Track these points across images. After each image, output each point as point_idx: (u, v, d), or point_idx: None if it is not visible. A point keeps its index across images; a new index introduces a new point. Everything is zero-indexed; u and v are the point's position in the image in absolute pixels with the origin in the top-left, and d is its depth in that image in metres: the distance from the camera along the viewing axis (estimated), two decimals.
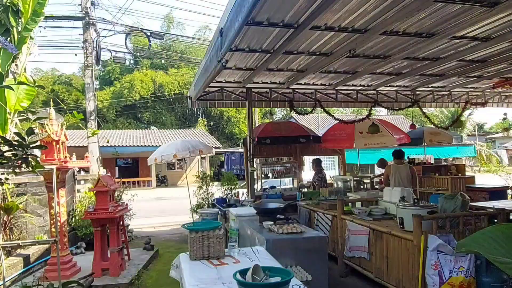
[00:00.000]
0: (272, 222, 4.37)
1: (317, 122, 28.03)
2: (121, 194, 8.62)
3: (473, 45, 5.94)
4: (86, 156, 6.16)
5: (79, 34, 10.81)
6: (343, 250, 5.31)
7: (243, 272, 2.35)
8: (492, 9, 4.45)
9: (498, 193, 8.44)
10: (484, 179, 14.90)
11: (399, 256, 4.10)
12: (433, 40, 5.47)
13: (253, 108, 8.78)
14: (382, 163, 8.83)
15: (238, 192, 8.23)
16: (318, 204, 6.48)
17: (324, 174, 8.84)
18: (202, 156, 11.12)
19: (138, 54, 11.34)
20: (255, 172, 10.35)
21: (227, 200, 7.09)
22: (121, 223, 6.32)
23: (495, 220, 4.03)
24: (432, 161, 14.94)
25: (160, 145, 14.71)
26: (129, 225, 8.86)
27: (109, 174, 6.41)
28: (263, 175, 9.28)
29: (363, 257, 4.77)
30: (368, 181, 7.69)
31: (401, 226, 4.06)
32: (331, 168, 23.69)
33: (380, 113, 33.11)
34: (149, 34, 10.55)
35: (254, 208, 4.82)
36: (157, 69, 37.34)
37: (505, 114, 11.81)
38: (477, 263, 3.53)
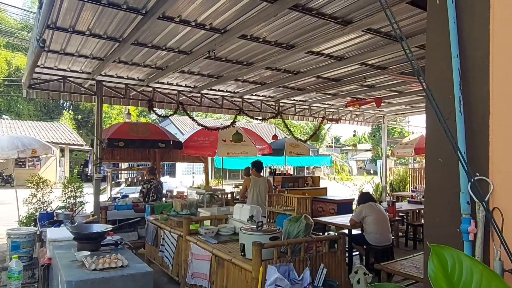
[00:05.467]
0: (89, 252, 3.44)
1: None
2: None
3: (329, 63, 6.08)
4: None
5: None
6: (185, 276, 4.66)
7: None
8: (345, 27, 4.44)
9: (345, 205, 9.04)
10: (337, 187, 16.47)
11: None
12: (292, 51, 5.34)
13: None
14: (248, 172, 8.47)
15: (76, 203, 6.81)
16: (167, 220, 5.72)
17: (154, 184, 7.92)
18: (47, 153, 9.30)
19: None
20: (108, 178, 9.06)
21: (55, 215, 5.67)
22: None
23: (336, 245, 3.91)
24: (292, 172, 15.81)
25: None
26: None
27: None
28: (113, 182, 8.05)
29: (204, 286, 4.20)
30: (223, 195, 7.24)
31: (242, 253, 3.61)
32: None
33: (264, 122, 33.97)
34: None
35: (70, 232, 3.79)
36: (14, 50, 31.55)
37: (354, 131, 13.07)
38: None
